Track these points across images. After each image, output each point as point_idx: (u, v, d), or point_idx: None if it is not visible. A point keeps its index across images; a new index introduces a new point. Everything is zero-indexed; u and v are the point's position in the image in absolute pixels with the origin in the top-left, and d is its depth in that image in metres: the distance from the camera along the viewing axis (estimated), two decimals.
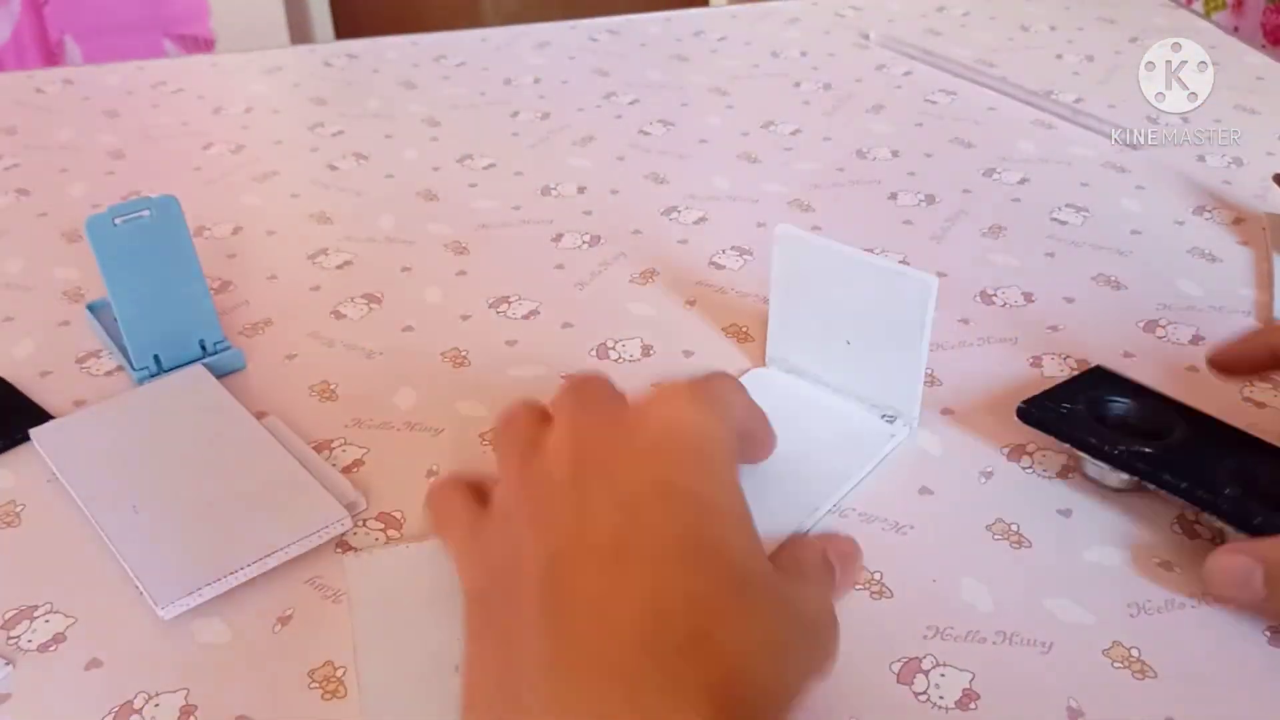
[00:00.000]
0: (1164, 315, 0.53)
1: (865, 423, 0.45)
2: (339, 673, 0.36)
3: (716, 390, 0.34)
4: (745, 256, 0.59)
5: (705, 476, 0.30)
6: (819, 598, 0.31)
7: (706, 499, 0.29)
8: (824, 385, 0.47)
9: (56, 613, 0.38)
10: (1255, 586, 0.35)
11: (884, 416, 0.45)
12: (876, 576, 0.39)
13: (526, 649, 0.26)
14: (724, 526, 0.29)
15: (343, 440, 0.46)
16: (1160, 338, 0.52)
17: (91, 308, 0.53)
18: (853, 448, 0.44)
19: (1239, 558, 0.36)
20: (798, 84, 0.81)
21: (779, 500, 0.40)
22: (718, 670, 0.25)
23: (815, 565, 0.33)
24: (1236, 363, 0.44)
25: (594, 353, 0.51)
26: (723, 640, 0.26)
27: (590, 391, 0.34)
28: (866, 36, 0.89)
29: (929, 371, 0.49)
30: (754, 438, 0.38)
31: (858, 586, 0.38)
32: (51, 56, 1.81)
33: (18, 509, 0.43)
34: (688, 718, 0.24)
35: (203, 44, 1.87)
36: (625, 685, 0.25)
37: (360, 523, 0.42)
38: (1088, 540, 0.40)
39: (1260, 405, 0.47)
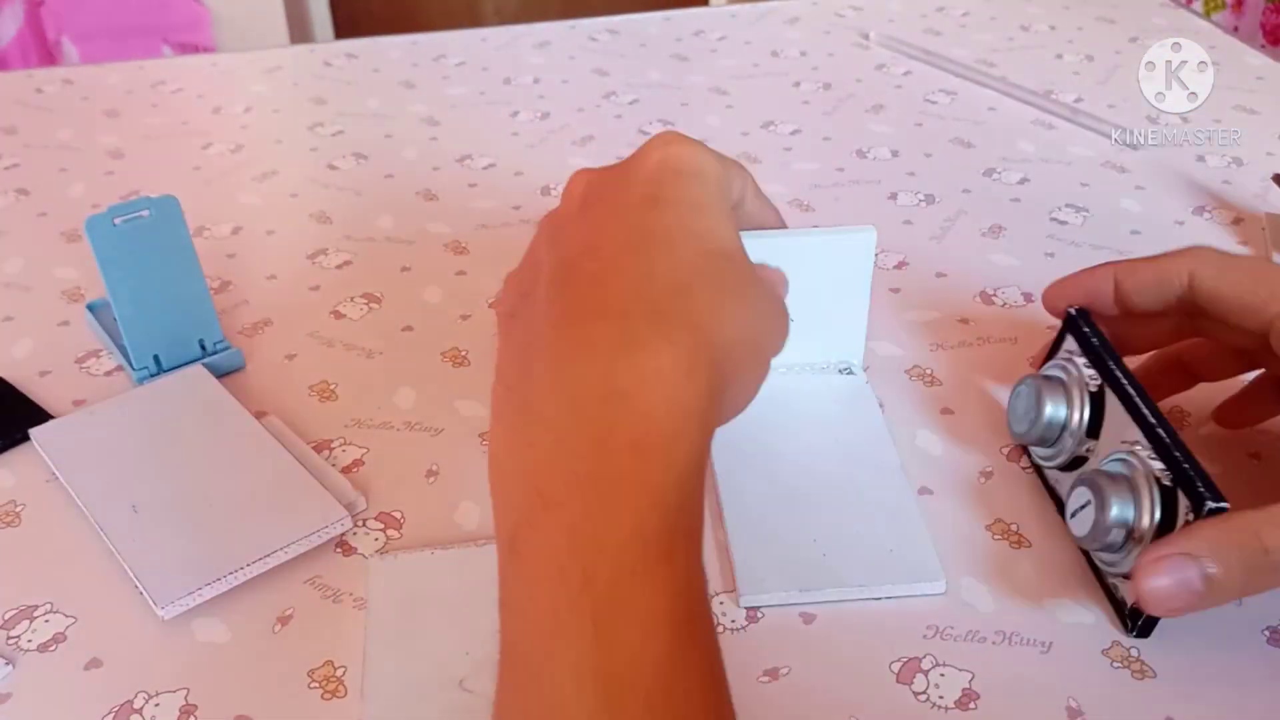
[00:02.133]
0: None
1: (829, 382, 0.47)
2: (339, 673, 0.36)
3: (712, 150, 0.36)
4: None
5: (694, 187, 0.34)
6: (778, 285, 0.39)
7: (695, 200, 0.33)
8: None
9: (56, 613, 0.38)
10: (1194, 586, 0.32)
11: (840, 370, 0.47)
12: None
13: (536, 328, 0.31)
14: (710, 218, 0.33)
15: (342, 440, 0.46)
16: None
17: (91, 307, 0.53)
18: (844, 411, 0.45)
19: (1169, 559, 0.33)
20: (797, 84, 0.81)
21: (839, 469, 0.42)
22: (698, 313, 0.30)
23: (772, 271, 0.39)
24: (1070, 297, 0.43)
25: None
26: (703, 292, 0.31)
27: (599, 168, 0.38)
28: (866, 36, 0.89)
29: (929, 371, 0.49)
30: (759, 207, 0.40)
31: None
32: (49, 57, 1.81)
33: (18, 509, 0.43)
34: (668, 345, 0.28)
35: (203, 52, 1.87)
36: (618, 322, 0.29)
37: (360, 523, 0.42)
38: None
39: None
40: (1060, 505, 0.40)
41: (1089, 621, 0.37)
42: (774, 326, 0.34)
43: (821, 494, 0.42)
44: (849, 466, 0.43)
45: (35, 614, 0.38)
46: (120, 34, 1.82)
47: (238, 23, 1.91)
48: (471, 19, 2.39)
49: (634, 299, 0.30)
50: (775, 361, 0.43)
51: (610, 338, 0.29)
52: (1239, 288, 0.38)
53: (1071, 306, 0.42)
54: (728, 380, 0.30)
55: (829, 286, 0.45)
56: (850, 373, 0.47)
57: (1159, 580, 0.33)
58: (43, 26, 1.79)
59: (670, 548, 0.27)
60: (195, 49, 1.86)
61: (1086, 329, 0.41)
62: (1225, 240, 0.60)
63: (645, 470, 0.27)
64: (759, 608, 0.38)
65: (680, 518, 0.27)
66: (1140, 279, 0.40)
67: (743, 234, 0.38)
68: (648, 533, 0.26)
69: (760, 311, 0.33)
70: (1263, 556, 0.32)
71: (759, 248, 0.43)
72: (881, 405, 0.46)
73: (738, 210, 0.38)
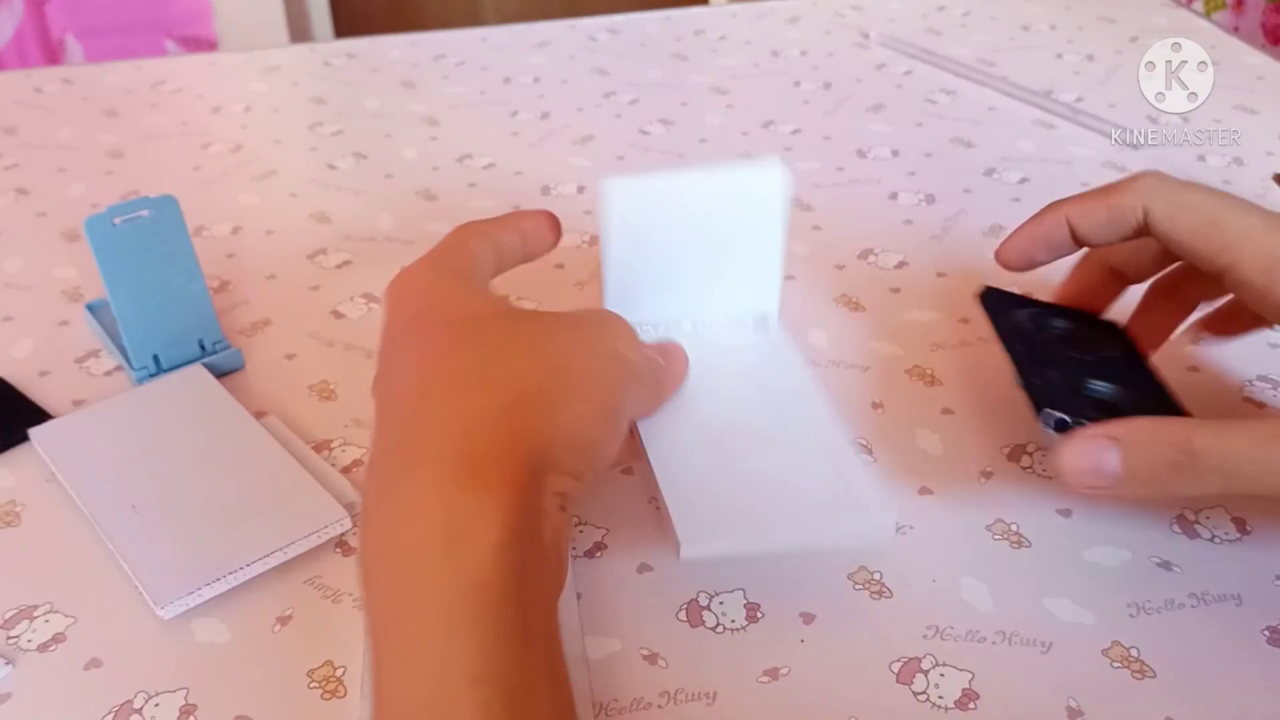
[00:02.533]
0: None
1: (742, 336, 0.44)
2: (339, 673, 0.36)
3: (442, 247, 0.39)
4: None
5: (420, 299, 0.36)
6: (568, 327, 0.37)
7: (435, 300, 0.36)
8: (677, 325, 0.44)
9: (56, 613, 0.38)
10: (1110, 469, 0.33)
11: (754, 320, 0.44)
12: (876, 576, 0.39)
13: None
14: (451, 302, 0.36)
15: (342, 440, 0.46)
16: None
17: (90, 307, 0.53)
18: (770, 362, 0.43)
19: (1092, 439, 0.34)
20: (798, 83, 0.81)
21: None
22: (444, 406, 0.31)
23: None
24: (1025, 249, 0.42)
25: None
26: (454, 375, 0.32)
27: None
28: (866, 36, 0.89)
29: (929, 371, 0.49)
30: (519, 239, 0.41)
31: (856, 587, 0.38)
32: (53, 55, 1.81)
33: (17, 509, 0.43)
34: (410, 472, 0.30)
35: (205, 45, 1.87)
36: (379, 473, 0.32)
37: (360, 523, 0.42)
38: (1088, 540, 0.40)
39: (1260, 405, 0.47)
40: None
41: (1089, 621, 0.37)
42: (566, 350, 0.34)
43: (751, 444, 0.39)
44: (777, 415, 0.40)
45: (35, 614, 0.38)
46: (124, 30, 1.82)
47: (238, 22, 1.92)
48: (471, 19, 2.39)
49: (387, 439, 0.32)
50: (677, 315, 0.43)
51: (378, 491, 0.31)
52: (1193, 235, 0.37)
53: (993, 285, 0.44)
54: (515, 439, 0.30)
55: (735, 230, 0.42)
56: (764, 324, 0.44)
57: (1078, 460, 0.34)
58: (47, 25, 1.79)
59: (470, 698, 0.27)
60: (198, 42, 1.86)
61: (994, 310, 0.43)
62: None
63: (417, 625, 0.27)
64: (699, 560, 0.35)
65: (467, 653, 0.27)
66: (1093, 220, 0.39)
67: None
68: (436, 692, 0.27)
69: (538, 344, 0.34)
70: (1188, 457, 0.32)
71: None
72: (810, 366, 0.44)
73: (506, 259, 0.41)
